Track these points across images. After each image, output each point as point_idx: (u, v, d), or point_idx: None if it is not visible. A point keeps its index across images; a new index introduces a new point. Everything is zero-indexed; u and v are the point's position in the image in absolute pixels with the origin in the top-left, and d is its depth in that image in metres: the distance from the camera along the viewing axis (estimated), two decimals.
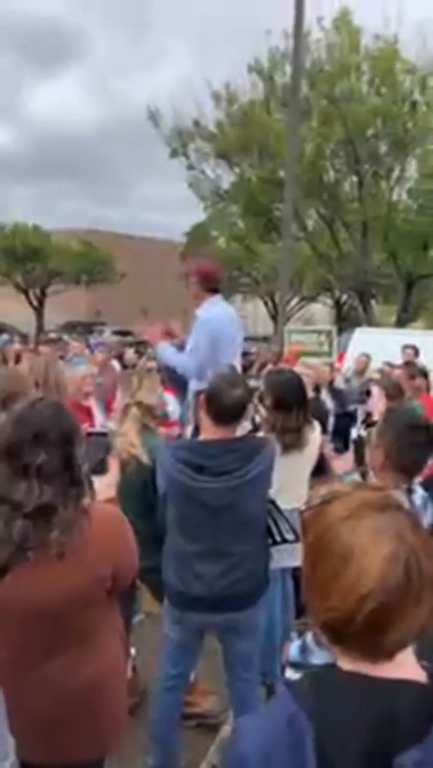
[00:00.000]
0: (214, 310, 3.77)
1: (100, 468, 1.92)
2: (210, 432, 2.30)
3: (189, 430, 3.62)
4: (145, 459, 2.60)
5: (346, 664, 0.87)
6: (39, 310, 33.27)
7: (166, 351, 3.79)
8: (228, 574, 2.26)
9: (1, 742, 1.04)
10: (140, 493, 2.55)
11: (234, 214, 20.95)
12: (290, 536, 2.47)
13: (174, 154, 17.97)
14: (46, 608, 1.50)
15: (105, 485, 1.90)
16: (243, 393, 2.28)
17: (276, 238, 19.03)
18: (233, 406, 2.24)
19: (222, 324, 3.73)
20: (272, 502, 2.42)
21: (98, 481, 1.84)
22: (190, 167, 18.45)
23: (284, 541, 2.48)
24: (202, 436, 2.38)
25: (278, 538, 2.49)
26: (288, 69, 13.57)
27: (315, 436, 3.00)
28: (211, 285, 3.82)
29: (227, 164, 18.18)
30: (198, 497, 2.20)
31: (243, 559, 2.28)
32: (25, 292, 32.90)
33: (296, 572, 2.94)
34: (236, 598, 2.29)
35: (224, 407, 2.25)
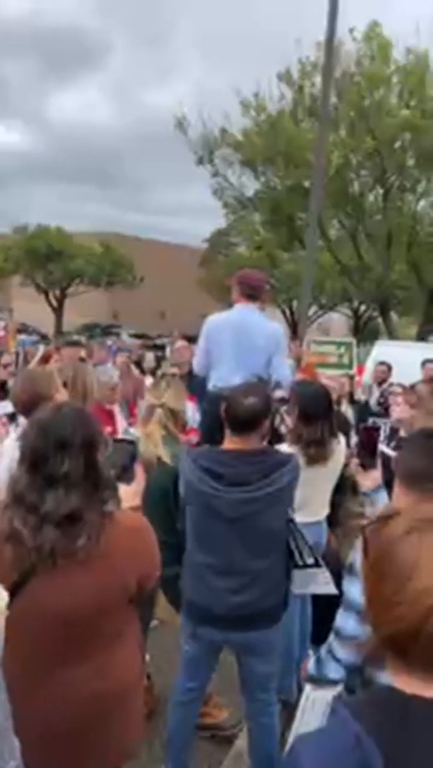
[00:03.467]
0: (227, 313, 3.84)
1: (126, 475, 1.91)
2: (229, 441, 2.28)
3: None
4: (168, 460, 2.58)
5: (407, 686, 0.86)
6: (58, 312, 33.56)
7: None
8: (244, 591, 2.19)
9: (7, 744, 1.03)
10: (162, 499, 2.53)
11: (256, 222, 20.98)
12: (310, 560, 2.39)
13: (200, 161, 18.07)
14: (71, 615, 1.49)
15: (131, 493, 1.88)
16: (258, 403, 2.21)
17: (298, 248, 19.01)
18: (245, 416, 2.20)
19: (218, 327, 3.74)
20: (292, 521, 2.33)
21: (123, 489, 1.82)
22: (216, 174, 18.54)
23: (305, 565, 2.39)
24: (223, 446, 2.36)
25: (299, 562, 2.41)
26: (318, 79, 13.60)
27: (340, 449, 2.97)
28: (245, 291, 3.84)
29: (252, 172, 18.24)
30: (214, 506, 2.15)
31: (260, 576, 2.21)
32: (46, 293, 33.22)
33: (316, 599, 2.89)
34: (252, 616, 2.22)
35: (236, 416, 2.21)
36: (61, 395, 2.45)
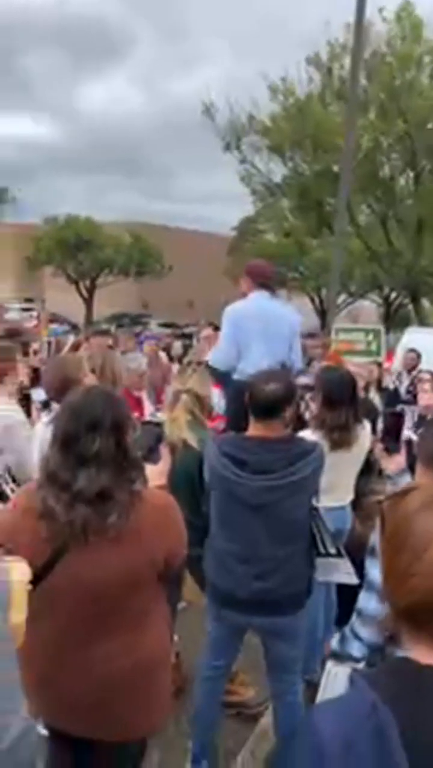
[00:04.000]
0: (245, 302, 3.82)
1: (152, 456, 1.96)
2: (253, 428, 2.29)
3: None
4: (194, 443, 2.63)
5: (421, 657, 0.88)
6: (88, 302, 33.94)
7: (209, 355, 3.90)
8: (266, 578, 2.22)
9: (13, 696, 1.08)
10: (188, 482, 2.58)
11: (284, 209, 20.77)
12: (332, 550, 2.39)
13: (227, 147, 17.96)
14: (102, 590, 1.55)
15: (157, 473, 1.94)
16: (280, 389, 2.22)
17: (327, 234, 18.77)
18: (267, 402, 2.22)
19: (246, 314, 3.73)
20: (316, 510, 2.35)
21: (150, 469, 1.88)
22: (243, 161, 18.41)
23: (327, 554, 2.39)
24: (247, 433, 2.38)
25: (321, 551, 2.43)
26: (347, 61, 13.34)
27: (364, 435, 2.97)
28: (257, 280, 3.85)
29: (280, 158, 18.04)
30: (237, 493, 2.18)
31: (282, 564, 2.23)
32: (76, 284, 33.61)
33: (339, 588, 2.91)
34: (275, 602, 2.25)
35: (258, 402, 2.23)
36: (90, 380, 2.52)
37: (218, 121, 17.60)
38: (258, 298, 3.79)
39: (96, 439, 1.51)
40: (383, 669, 0.94)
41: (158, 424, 2.03)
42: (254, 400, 2.24)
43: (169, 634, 1.82)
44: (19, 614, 1.18)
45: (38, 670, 1.58)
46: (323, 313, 24.81)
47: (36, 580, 1.41)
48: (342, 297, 25.62)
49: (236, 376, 3.63)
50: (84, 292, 34.10)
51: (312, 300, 27.73)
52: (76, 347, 5.93)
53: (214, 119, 17.53)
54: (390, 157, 16.72)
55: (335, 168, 14.55)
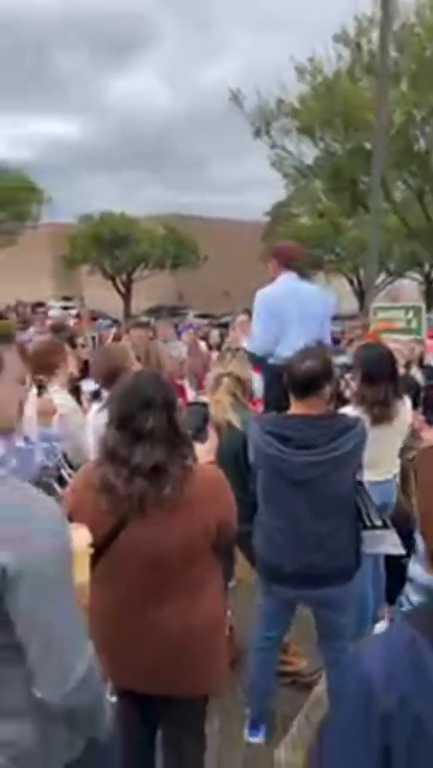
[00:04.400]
0: (274, 285, 3.83)
1: (200, 435, 2.07)
2: (294, 407, 2.35)
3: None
4: (237, 424, 2.72)
5: None
6: (126, 297, 34.41)
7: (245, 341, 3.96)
8: (312, 552, 2.29)
9: (80, 641, 1.20)
10: (234, 461, 2.67)
11: (318, 190, 20.49)
12: (378, 522, 2.44)
13: (257, 133, 17.83)
14: (159, 558, 1.67)
15: (205, 451, 2.05)
16: (316, 365, 2.27)
17: (362, 213, 18.44)
18: (304, 378, 2.27)
19: (278, 298, 3.73)
20: (360, 484, 2.41)
21: (198, 447, 1.98)
22: (273, 146, 18.24)
23: (373, 527, 2.44)
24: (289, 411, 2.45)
25: (367, 523, 2.48)
26: (375, 35, 13.01)
27: (405, 410, 3.00)
28: (284, 262, 3.86)
29: (310, 139, 17.79)
30: (282, 470, 2.26)
31: (328, 537, 2.30)
32: (113, 279, 34.11)
33: (388, 560, 2.96)
34: (321, 575, 2.32)
35: (296, 379, 2.29)
36: (136, 368, 2.64)
37: (246, 108, 17.50)
38: (287, 280, 3.81)
39: (149, 417, 1.63)
40: (422, 608, 1.02)
41: (204, 405, 2.14)
42: (292, 378, 2.31)
43: (224, 605, 1.92)
44: (80, 575, 1.30)
45: (102, 633, 1.71)
46: (362, 294, 24.40)
47: (98, 550, 1.54)
48: (381, 277, 25.12)
49: (271, 361, 3.68)
50: (121, 287, 34.58)
51: (351, 282, 27.29)
52: (117, 340, 6.11)
53: (242, 106, 17.42)
54: (424, 130, 16.25)
55: (368, 145, 14.26)
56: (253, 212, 38.59)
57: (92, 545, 1.39)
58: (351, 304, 26.34)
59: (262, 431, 2.29)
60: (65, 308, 18.36)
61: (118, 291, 34.57)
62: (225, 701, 2.66)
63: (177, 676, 1.78)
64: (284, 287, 3.79)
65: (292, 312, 3.68)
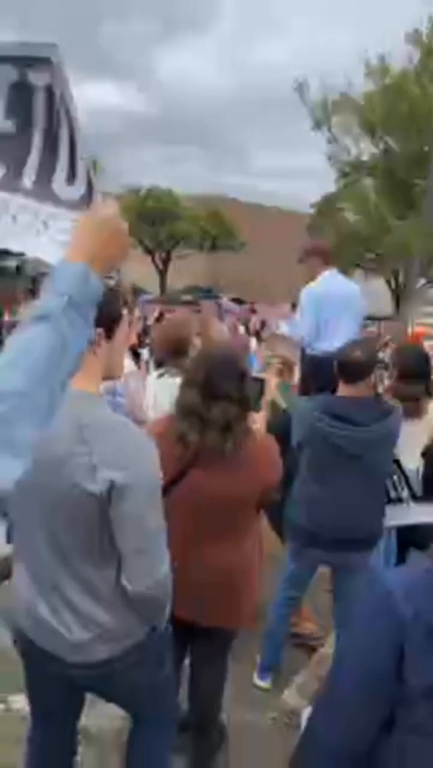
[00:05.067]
0: (321, 281, 4.09)
1: (255, 406, 2.33)
2: (342, 390, 2.64)
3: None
4: (284, 405, 2.99)
5: None
6: (163, 274, 34.69)
7: (284, 327, 4.22)
8: (351, 520, 2.59)
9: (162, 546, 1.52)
10: (276, 435, 2.94)
11: (368, 188, 20.36)
12: (404, 494, 2.72)
13: (317, 126, 17.78)
14: (216, 503, 1.96)
15: (261, 418, 2.34)
16: (363, 355, 2.58)
17: (410, 215, 18.32)
18: (354, 365, 2.57)
19: (324, 293, 3.99)
20: (397, 461, 2.69)
21: (254, 416, 2.26)
22: (331, 140, 18.16)
23: (399, 500, 2.72)
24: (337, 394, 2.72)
25: (393, 495, 2.75)
26: None
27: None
28: (326, 260, 4.16)
29: (369, 137, 17.68)
30: (334, 443, 2.54)
31: (366, 508, 2.60)
32: (152, 255, 34.37)
33: (399, 532, 3.22)
34: (353, 540, 2.62)
35: (345, 366, 2.58)
36: (197, 340, 2.93)
37: (308, 98, 17.42)
38: (334, 276, 4.10)
39: (226, 382, 1.91)
40: None
41: (261, 380, 2.41)
42: (343, 366, 2.58)
43: (260, 551, 2.21)
44: None
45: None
46: (397, 297, 24.25)
47: (165, 490, 1.82)
48: (421, 281, 24.87)
49: (309, 351, 3.96)
50: (159, 263, 34.84)
51: (388, 282, 27.07)
52: (159, 317, 6.39)
53: (304, 96, 17.35)
54: None
55: (426, 148, 14.18)
56: (297, 203, 38.38)
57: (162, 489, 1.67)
58: (386, 306, 26.21)
59: (315, 409, 2.58)
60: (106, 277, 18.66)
61: (156, 267, 34.84)
62: (241, 646, 2.95)
63: (218, 607, 2.07)
64: (332, 283, 4.08)
65: (334, 307, 3.95)
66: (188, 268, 34.91)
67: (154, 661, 1.69)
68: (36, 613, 1.53)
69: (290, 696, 2.78)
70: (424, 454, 2.83)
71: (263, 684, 2.90)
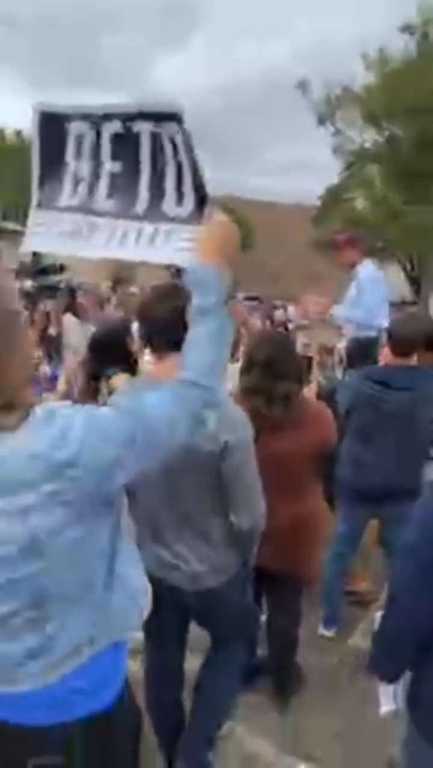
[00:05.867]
0: (368, 269, 4.42)
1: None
2: (390, 360, 2.96)
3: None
4: (322, 382, 3.35)
5: None
6: (174, 275, 35.03)
7: (339, 310, 4.44)
8: (397, 475, 2.87)
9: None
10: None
11: (375, 175, 20.50)
12: None
13: (321, 121, 18.03)
14: (283, 461, 2.30)
15: (309, 392, 2.68)
16: (414, 329, 2.91)
17: (421, 200, 18.45)
18: (404, 339, 2.88)
19: (374, 280, 4.34)
20: None
21: (304, 389, 2.61)
22: (336, 133, 18.38)
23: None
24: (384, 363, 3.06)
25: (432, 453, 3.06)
26: None
27: None
28: (364, 250, 4.51)
29: (373, 127, 17.86)
30: (379, 406, 2.87)
31: (409, 463, 2.88)
32: None
33: None
34: (400, 492, 2.86)
35: (397, 339, 2.91)
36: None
37: (310, 95, 17.65)
38: (373, 265, 4.45)
39: (286, 362, 2.29)
40: None
41: (308, 358, 2.78)
42: (394, 339, 2.91)
43: (322, 503, 2.55)
44: None
45: None
46: (414, 281, 24.32)
47: None
48: None
49: (359, 333, 4.27)
50: (173, 267, 35.18)
51: (404, 268, 27.09)
52: None
53: (306, 93, 17.59)
54: None
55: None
56: (301, 198, 38.54)
57: None
58: (403, 291, 26.19)
59: (363, 377, 2.94)
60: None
61: (169, 271, 35.21)
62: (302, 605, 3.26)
63: (285, 554, 2.39)
64: (374, 270, 4.46)
65: (382, 292, 4.32)
66: None
67: (241, 590, 2.10)
68: (161, 558, 1.92)
69: (355, 640, 3.10)
70: None
71: (329, 633, 3.22)
